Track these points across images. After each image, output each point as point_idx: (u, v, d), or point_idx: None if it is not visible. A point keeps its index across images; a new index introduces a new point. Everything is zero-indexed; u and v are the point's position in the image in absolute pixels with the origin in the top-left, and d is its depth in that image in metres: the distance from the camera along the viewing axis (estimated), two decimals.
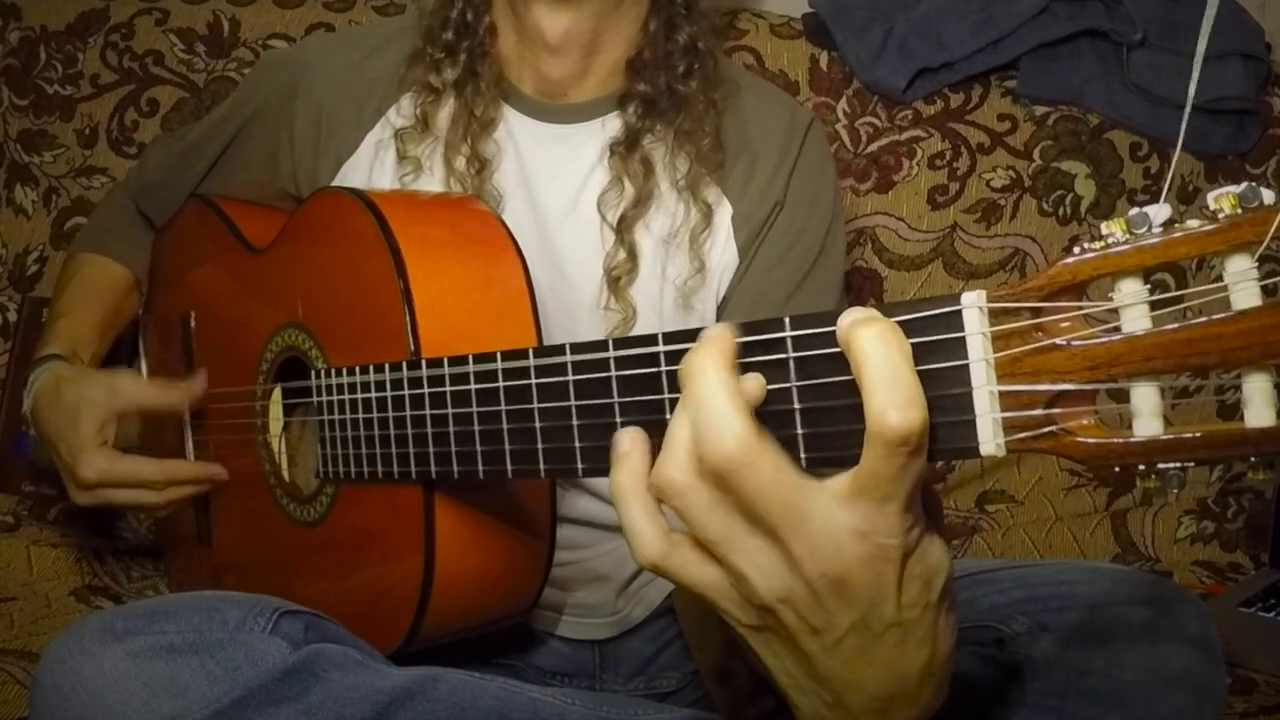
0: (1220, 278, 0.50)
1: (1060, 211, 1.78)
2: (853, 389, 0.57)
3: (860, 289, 1.74)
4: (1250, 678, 1.40)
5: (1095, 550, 1.71)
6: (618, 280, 1.20)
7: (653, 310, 1.23)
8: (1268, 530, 1.72)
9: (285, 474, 1.16)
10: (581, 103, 1.25)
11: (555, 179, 1.24)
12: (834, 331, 0.58)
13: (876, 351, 0.54)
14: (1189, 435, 0.52)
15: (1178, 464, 0.53)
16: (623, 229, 1.20)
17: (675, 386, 0.66)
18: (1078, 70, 1.77)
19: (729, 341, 0.58)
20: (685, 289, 1.23)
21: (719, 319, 1.27)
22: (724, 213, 1.25)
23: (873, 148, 1.77)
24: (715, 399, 0.57)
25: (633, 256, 1.20)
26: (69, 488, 1.22)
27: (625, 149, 1.22)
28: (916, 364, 0.55)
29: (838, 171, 1.70)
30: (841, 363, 0.58)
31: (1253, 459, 0.51)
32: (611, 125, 1.24)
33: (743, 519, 0.58)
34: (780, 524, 0.57)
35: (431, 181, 1.24)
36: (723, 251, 1.25)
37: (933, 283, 1.77)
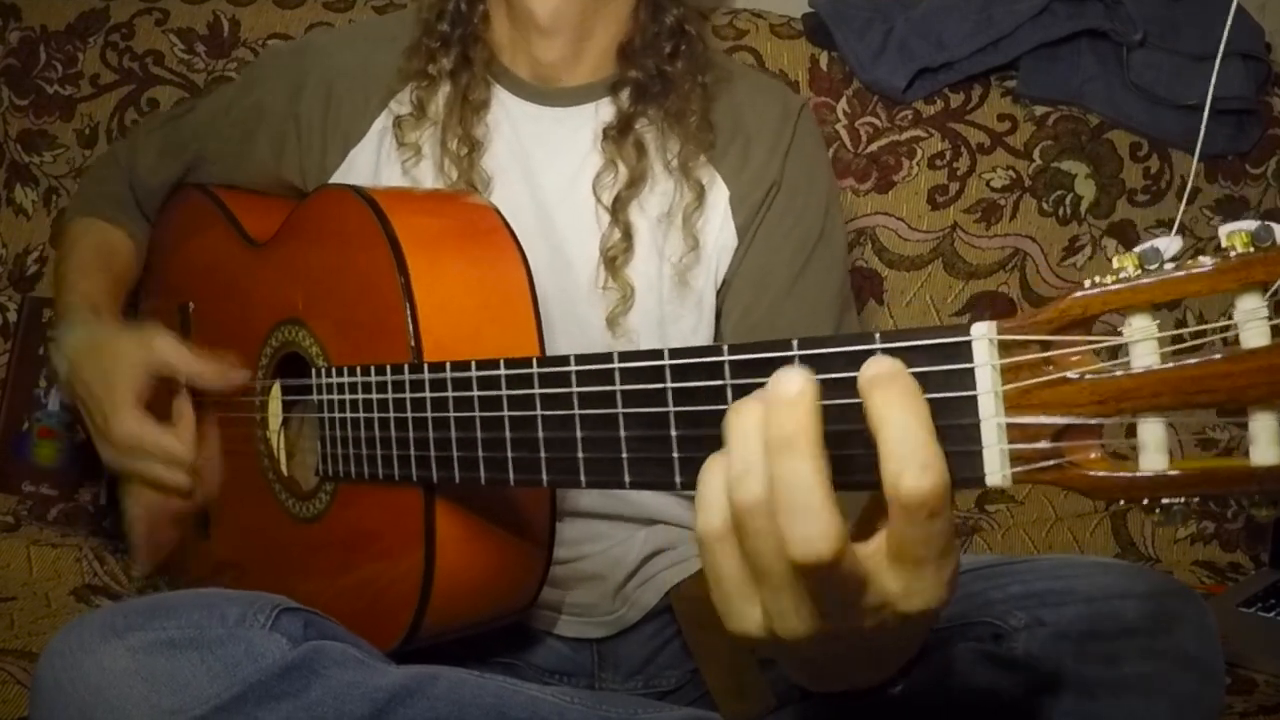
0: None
1: (1060, 211, 1.78)
2: (863, 413, 0.57)
3: (860, 289, 1.74)
4: (1250, 678, 1.40)
5: (1095, 550, 1.70)
6: (614, 260, 1.21)
7: (651, 290, 1.24)
8: (1268, 530, 1.71)
9: (284, 469, 1.16)
10: (575, 86, 1.27)
11: (553, 161, 1.25)
12: (843, 353, 0.58)
13: (892, 416, 0.54)
14: (1192, 471, 0.52)
15: (1182, 499, 0.53)
16: (617, 210, 1.22)
17: (680, 402, 0.66)
18: (1078, 70, 1.77)
19: (817, 398, 0.55)
20: (681, 266, 1.24)
21: (721, 305, 1.28)
22: (720, 194, 1.27)
23: (873, 148, 1.77)
24: (806, 488, 0.53)
25: (628, 236, 1.22)
26: (100, 448, 1.23)
27: (618, 132, 1.24)
28: (925, 392, 0.55)
29: (837, 171, 1.72)
30: (853, 386, 0.57)
31: (1256, 496, 0.51)
32: (605, 111, 1.26)
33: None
34: (836, 596, 0.57)
35: (429, 166, 1.25)
36: (720, 231, 1.26)
37: (933, 283, 1.77)
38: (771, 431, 0.54)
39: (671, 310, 1.25)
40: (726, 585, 0.59)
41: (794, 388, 0.54)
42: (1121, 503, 0.54)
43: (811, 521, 0.53)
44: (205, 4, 1.76)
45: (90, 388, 1.21)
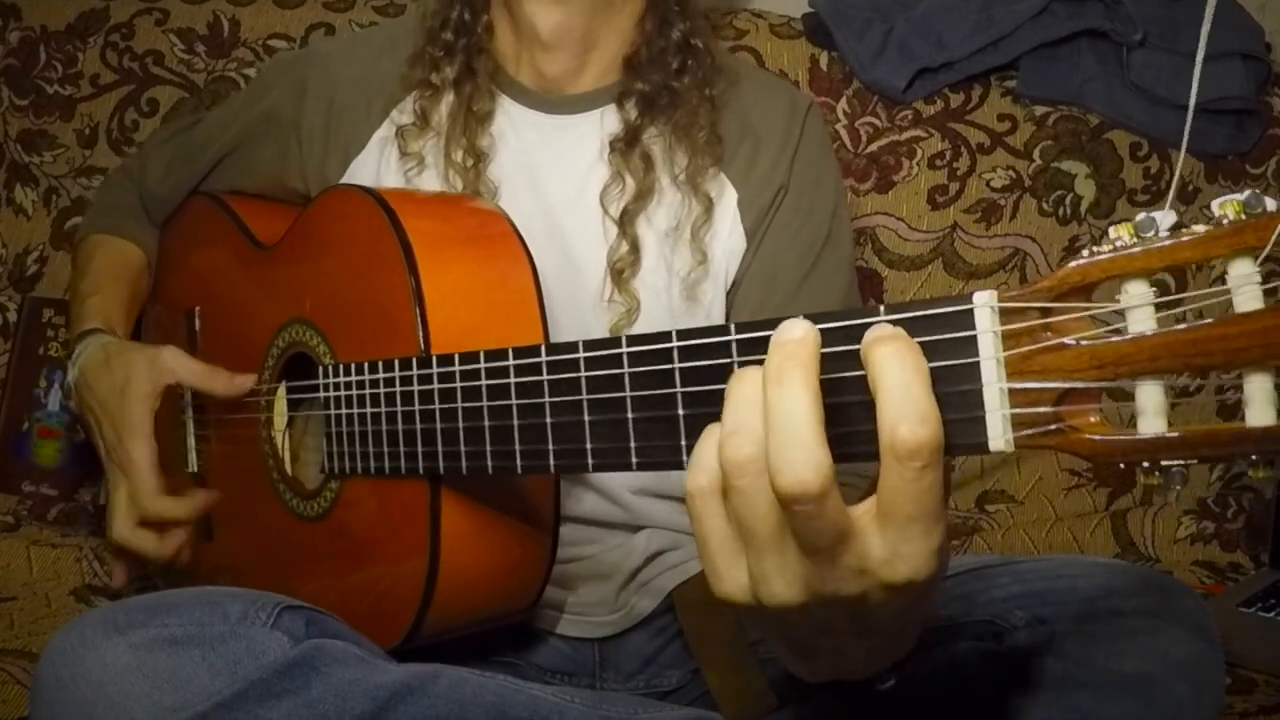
0: (1222, 280, 0.52)
1: (1060, 211, 1.78)
2: (868, 384, 0.57)
3: (860, 289, 1.74)
4: (1250, 678, 1.40)
5: (1095, 550, 1.71)
6: (621, 273, 1.21)
7: (658, 303, 1.23)
8: (1268, 530, 1.72)
9: (288, 468, 1.16)
10: (579, 94, 1.26)
11: (559, 169, 1.25)
12: (848, 327, 0.59)
13: (892, 369, 0.55)
14: (1192, 433, 0.53)
15: (1181, 462, 0.54)
16: (625, 222, 1.22)
17: (688, 383, 0.67)
18: (1078, 70, 1.77)
19: (818, 347, 0.58)
20: (689, 281, 1.24)
21: (730, 305, 1.28)
22: (729, 199, 1.26)
23: (873, 148, 1.77)
24: (799, 419, 0.56)
25: (635, 249, 1.21)
26: (105, 461, 1.24)
27: (625, 144, 1.23)
28: (929, 361, 0.56)
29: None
30: (859, 358, 0.58)
31: (1254, 457, 0.52)
32: (610, 119, 1.26)
33: (792, 544, 0.59)
34: (823, 550, 0.57)
35: (433, 175, 1.24)
36: (729, 237, 1.26)
37: (933, 283, 1.77)
38: (771, 366, 0.57)
39: (680, 324, 1.23)
40: (713, 544, 0.61)
41: (798, 332, 0.57)
42: (1121, 466, 0.55)
43: (800, 449, 0.55)
44: (205, 4, 1.76)
45: (104, 403, 1.22)
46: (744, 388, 0.58)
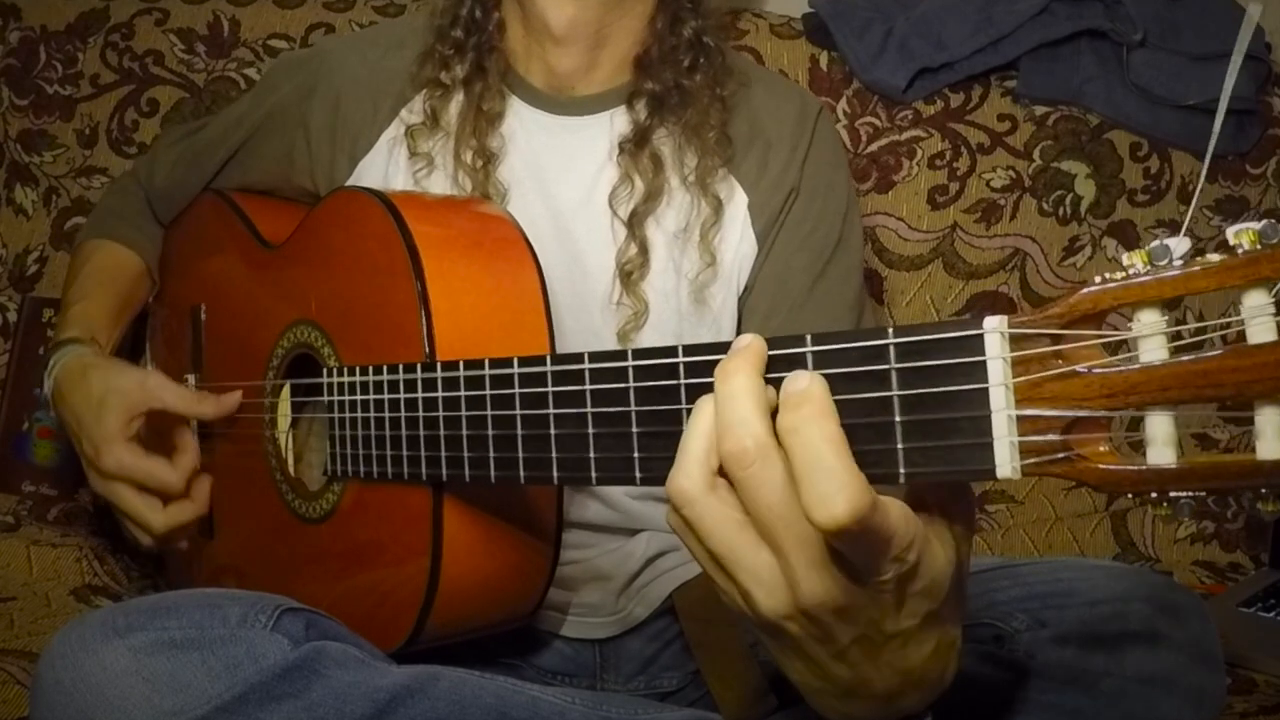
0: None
1: (1060, 211, 1.78)
2: (875, 406, 0.58)
3: None
4: (1250, 678, 1.40)
5: (1095, 550, 1.71)
6: (629, 275, 1.21)
7: (667, 305, 1.23)
8: (1268, 530, 1.72)
9: (291, 470, 1.16)
10: (589, 95, 1.25)
11: (568, 171, 1.25)
12: (857, 348, 0.60)
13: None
14: (1200, 465, 0.53)
15: (1188, 493, 0.53)
16: (634, 224, 1.21)
17: (693, 398, 0.67)
18: (1078, 70, 1.77)
19: (762, 350, 0.61)
20: (698, 283, 1.23)
21: (742, 310, 1.28)
22: (739, 203, 1.26)
23: (873, 148, 1.77)
24: (741, 398, 0.59)
25: (644, 251, 1.21)
26: (89, 474, 1.24)
27: (634, 145, 1.22)
28: (937, 385, 0.57)
29: None
30: (866, 380, 0.59)
31: (1263, 490, 0.52)
32: (620, 120, 1.25)
33: (751, 532, 0.60)
34: (785, 538, 0.58)
35: (441, 176, 1.24)
36: (740, 241, 1.26)
37: (933, 283, 1.77)
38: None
39: (689, 327, 1.24)
40: (705, 564, 0.63)
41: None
42: (1129, 496, 0.55)
43: (739, 416, 0.59)
44: (205, 4, 1.76)
45: (80, 417, 1.22)
46: (731, 384, 0.60)
